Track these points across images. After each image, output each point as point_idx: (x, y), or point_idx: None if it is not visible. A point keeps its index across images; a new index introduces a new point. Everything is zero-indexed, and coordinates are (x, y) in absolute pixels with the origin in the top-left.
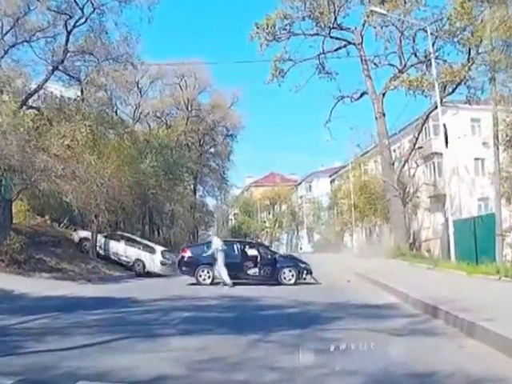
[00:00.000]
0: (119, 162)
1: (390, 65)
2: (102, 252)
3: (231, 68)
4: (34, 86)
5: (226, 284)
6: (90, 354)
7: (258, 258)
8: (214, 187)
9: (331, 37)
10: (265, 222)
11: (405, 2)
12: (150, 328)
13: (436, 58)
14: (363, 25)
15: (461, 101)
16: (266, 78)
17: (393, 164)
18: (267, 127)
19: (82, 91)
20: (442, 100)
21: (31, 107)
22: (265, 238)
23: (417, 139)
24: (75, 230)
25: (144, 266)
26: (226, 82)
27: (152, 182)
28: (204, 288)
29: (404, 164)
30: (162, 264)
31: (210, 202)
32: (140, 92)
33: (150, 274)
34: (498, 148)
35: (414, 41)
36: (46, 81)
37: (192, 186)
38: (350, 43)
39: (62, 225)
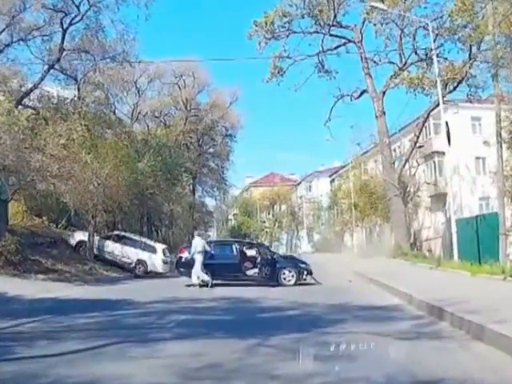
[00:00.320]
0: (116, 162)
1: (391, 62)
2: (101, 254)
3: (230, 68)
4: (30, 86)
5: (203, 284)
6: (80, 361)
7: (258, 259)
8: (213, 187)
9: (331, 35)
10: (264, 222)
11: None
12: (145, 332)
13: (437, 55)
14: (363, 22)
15: (461, 99)
16: (265, 77)
17: (393, 163)
18: (267, 127)
19: (78, 90)
20: (443, 98)
21: (28, 106)
22: (264, 239)
23: (418, 138)
24: (73, 230)
25: (146, 266)
26: (225, 81)
27: (150, 182)
28: (202, 289)
29: (405, 163)
30: (164, 262)
31: (210, 202)
32: (138, 92)
33: (150, 274)
34: (501, 146)
35: (414, 38)
36: (41, 80)
37: (191, 187)
38: (349, 41)
39: (59, 226)
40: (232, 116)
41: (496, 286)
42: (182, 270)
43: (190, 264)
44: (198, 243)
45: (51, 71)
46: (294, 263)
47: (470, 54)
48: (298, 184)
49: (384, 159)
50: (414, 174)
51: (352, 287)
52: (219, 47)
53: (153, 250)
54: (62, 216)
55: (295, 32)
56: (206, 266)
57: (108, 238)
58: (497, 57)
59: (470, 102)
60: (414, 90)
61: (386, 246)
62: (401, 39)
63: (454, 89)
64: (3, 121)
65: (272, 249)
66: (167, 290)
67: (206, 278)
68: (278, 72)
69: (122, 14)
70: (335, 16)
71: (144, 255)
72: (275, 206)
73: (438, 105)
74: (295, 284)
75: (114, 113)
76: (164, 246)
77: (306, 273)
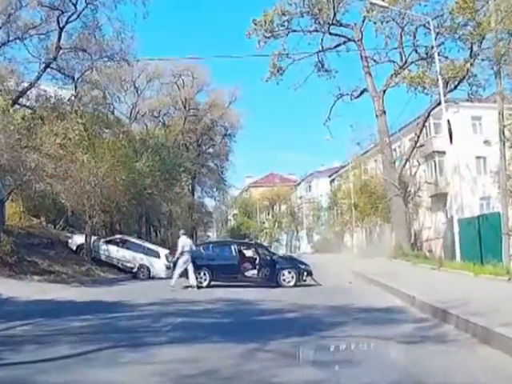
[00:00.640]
0: (114, 162)
1: (391, 61)
2: (103, 258)
3: (230, 68)
4: (27, 85)
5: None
6: (70, 367)
7: (257, 260)
8: (213, 188)
9: (330, 33)
10: (264, 222)
11: None
12: (139, 336)
13: (437, 54)
14: (363, 21)
15: (462, 99)
16: (265, 76)
17: (394, 162)
18: (266, 127)
19: (76, 89)
20: (444, 97)
21: (25, 106)
22: (264, 239)
23: (418, 137)
24: (71, 232)
25: (149, 271)
26: (224, 81)
27: (148, 182)
28: (200, 291)
29: (405, 163)
30: (167, 268)
31: (209, 202)
32: (137, 91)
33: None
34: (504, 144)
35: (414, 37)
36: (38, 78)
37: (190, 187)
38: (349, 40)
39: (57, 226)
40: (231, 116)
41: (500, 287)
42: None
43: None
44: (185, 242)
45: (48, 70)
46: (293, 264)
47: (471, 53)
48: (298, 184)
49: (384, 159)
50: (415, 174)
51: (352, 288)
52: (219, 47)
53: (156, 255)
54: (59, 217)
55: (295, 31)
56: (205, 267)
57: (110, 241)
58: (499, 54)
59: (471, 101)
60: (415, 89)
61: (387, 247)
62: (401, 37)
63: (455, 87)
64: None
65: (272, 249)
66: (165, 292)
67: (173, 281)
68: (278, 71)
69: (119, 12)
70: (335, 15)
71: (147, 260)
72: (275, 207)
73: (438, 104)
74: (295, 285)
75: (113, 112)
76: (167, 251)
77: (305, 274)
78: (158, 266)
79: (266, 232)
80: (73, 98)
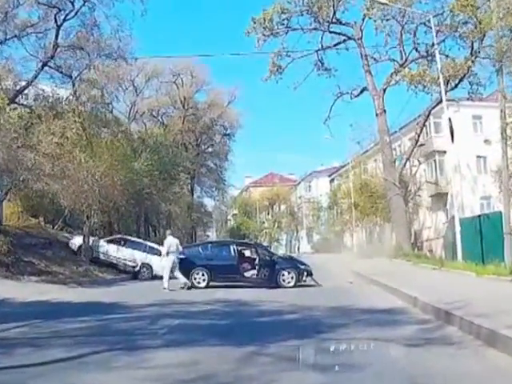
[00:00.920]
0: (112, 161)
1: (391, 60)
2: (104, 258)
3: (229, 68)
4: (24, 84)
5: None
6: (61, 372)
7: (256, 260)
8: (212, 187)
9: (330, 32)
10: (264, 222)
11: None
12: (135, 339)
13: (438, 52)
14: (363, 19)
15: (462, 98)
16: (264, 76)
17: (394, 162)
18: (266, 127)
19: (73, 87)
20: (445, 95)
21: (22, 105)
22: (264, 239)
23: (419, 136)
24: (69, 232)
25: (152, 270)
26: (223, 81)
27: (146, 182)
28: (199, 291)
29: (405, 162)
30: None
31: (209, 202)
32: (135, 91)
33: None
34: (506, 142)
35: (415, 35)
36: (35, 77)
37: (189, 187)
38: (349, 38)
39: (56, 227)
40: (230, 115)
41: (504, 288)
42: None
43: (186, 265)
44: (171, 242)
45: (46, 69)
46: (293, 264)
47: (471, 51)
48: (298, 184)
49: (385, 158)
50: (415, 174)
51: (353, 289)
52: (218, 47)
53: (158, 254)
54: (58, 217)
55: (294, 29)
56: (203, 267)
57: (111, 241)
58: (501, 51)
59: (472, 99)
60: (415, 88)
61: (387, 247)
62: (401, 36)
63: (456, 86)
64: None
65: (271, 249)
66: (163, 293)
67: (166, 283)
68: (277, 70)
69: (117, 9)
70: (335, 13)
71: (149, 259)
72: (274, 207)
73: (439, 102)
74: (295, 286)
75: (111, 112)
76: (182, 249)
77: (305, 274)
78: (161, 264)
79: (266, 232)
80: (71, 97)
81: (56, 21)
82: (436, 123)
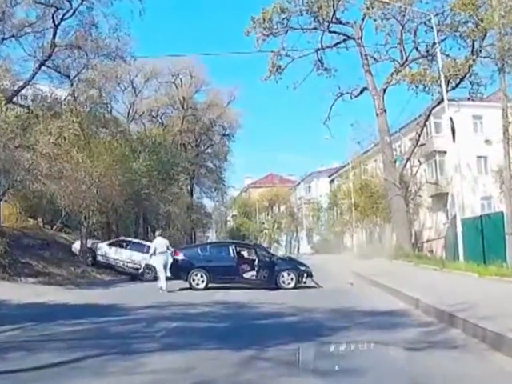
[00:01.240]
0: (110, 161)
1: (391, 59)
2: (106, 261)
3: (228, 67)
4: (22, 84)
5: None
6: (53, 377)
7: (255, 261)
8: (212, 188)
9: (330, 31)
10: (263, 223)
11: None
12: (130, 342)
13: (439, 51)
14: (363, 18)
15: (462, 98)
16: (264, 75)
17: (394, 162)
18: (266, 128)
19: (71, 86)
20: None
21: (20, 105)
22: (264, 240)
23: (419, 136)
24: (69, 233)
25: (155, 271)
26: (223, 81)
27: (145, 182)
28: (197, 293)
29: (406, 162)
30: None
31: (208, 203)
32: (134, 91)
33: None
34: (508, 142)
35: (415, 34)
36: (33, 77)
37: (188, 187)
38: (349, 38)
39: (54, 227)
40: (230, 115)
41: (507, 289)
42: (176, 273)
43: (184, 267)
44: (158, 244)
45: (45, 69)
46: (293, 265)
47: (472, 50)
48: (297, 185)
49: (385, 158)
50: (415, 174)
51: (354, 290)
52: (217, 47)
53: None
54: (56, 218)
55: (294, 28)
56: (202, 269)
57: (113, 244)
58: (503, 49)
59: (472, 99)
60: (416, 87)
61: (387, 247)
62: (402, 35)
63: (457, 85)
64: None
65: (271, 250)
66: (161, 295)
67: (163, 283)
68: (277, 70)
69: (115, 8)
70: (334, 12)
71: (152, 260)
72: (274, 207)
73: (439, 102)
74: (294, 287)
75: (110, 112)
76: (172, 250)
77: (305, 275)
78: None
79: (266, 233)
80: (69, 97)
81: (54, 20)
82: (436, 123)
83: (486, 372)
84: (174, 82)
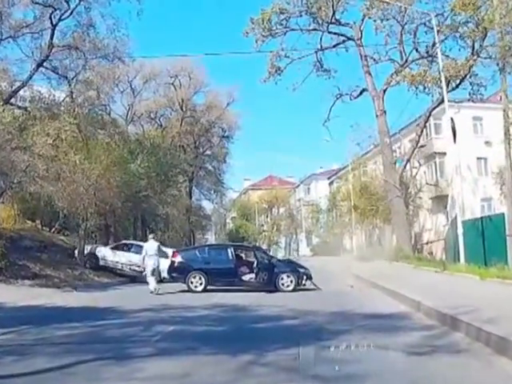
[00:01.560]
0: (108, 163)
1: (391, 60)
2: (108, 264)
3: (227, 69)
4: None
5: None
6: (46, 382)
7: (254, 263)
8: (211, 190)
9: (329, 32)
10: (263, 225)
11: None
12: (126, 347)
13: (439, 51)
14: (362, 19)
15: (463, 99)
16: (263, 77)
17: (394, 163)
18: (265, 129)
19: (69, 87)
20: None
21: (18, 106)
22: (263, 242)
23: (419, 137)
24: (67, 235)
25: (160, 273)
26: (222, 82)
27: (143, 184)
28: (195, 296)
29: (406, 163)
30: None
31: (207, 205)
32: (133, 92)
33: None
34: (509, 143)
35: (415, 35)
36: (30, 77)
37: (187, 189)
38: (349, 39)
39: (53, 230)
40: (229, 117)
41: (510, 291)
42: (174, 275)
43: (182, 269)
44: (149, 246)
45: (43, 70)
46: (292, 267)
47: (472, 50)
48: (297, 187)
49: (385, 159)
50: (415, 175)
51: (354, 293)
52: (216, 48)
53: (164, 256)
54: (55, 219)
55: (293, 29)
56: (200, 271)
57: (116, 247)
58: (504, 49)
59: (473, 100)
60: (416, 88)
61: (387, 249)
62: (401, 36)
63: (457, 86)
64: None
65: (270, 252)
66: (158, 297)
67: (153, 285)
68: (276, 71)
69: (113, 9)
70: (334, 13)
71: (156, 262)
72: (273, 209)
73: (439, 103)
74: (294, 290)
75: (109, 114)
76: (174, 250)
77: (305, 278)
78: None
79: (265, 235)
80: (67, 98)
81: (51, 20)
82: (436, 125)
83: (491, 377)
84: (172, 84)
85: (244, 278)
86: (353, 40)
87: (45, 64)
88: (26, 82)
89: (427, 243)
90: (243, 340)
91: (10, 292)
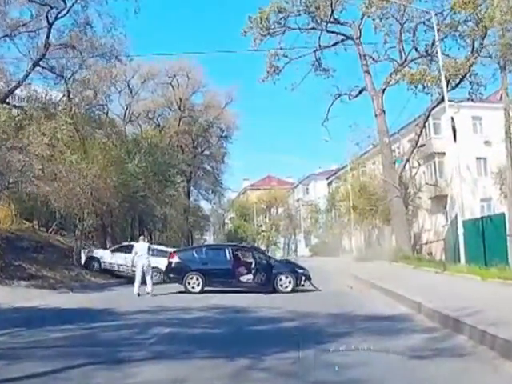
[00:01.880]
0: (105, 163)
1: (390, 59)
2: (111, 268)
3: (226, 69)
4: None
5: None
6: None
7: (252, 264)
8: (209, 190)
9: (328, 31)
10: (261, 225)
11: None
12: (120, 350)
13: (439, 50)
14: (361, 18)
15: (462, 99)
16: (261, 76)
17: (394, 163)
18: (264, 130)
19: (66, 86)
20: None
21: (14, 106)
22: (261, 242)
23: (419, 137)
24: (64, 236)
25: (162, 273)
26: (220, 82)
27: (141, 184)
28: (192, 297)
29: (405, 163)
30: None
31: (205, 205)
32: (131, 92)
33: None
34: (509, 142)
35: (414, 34)
36: (26, 76)
37: (185, 189)
38: (347, 38)
39: (50, 230)
40: (227, 117)
41: None
42: (171, 276)
43: (180, 270)
44: (139, 247)
45: (40, 70)
46: (291, 268)
47: (472, 49)
48: (295, 187)
49: (384, 159)
50: (415, 175)
51: (353, 294)
52: (214, 48)
53: (166, 255)
54: (52, 220)
55: (291, 28)
56: (198, 272)
57: (117, 250)
58: (505, 47)
59: (472, 100)
60: (416, 87)
61: (387, 249)
62: (401, 35)
63: (457, 85)
64: None
65: (269, 253)
66: (155, 298)
67: (136, 287)
68: (274, 71)
69: (110, 7)
70: (332, 12)
71: (158, 262)
72: (272, 210)
73: (439, 103)
74: (292, 291)
75: (107, 113)
76: (175, 250)
77: (303, 278)
78: None
79: (264, 235)
80: (64, 98)
81: (48, 19)
82: (436, 124)
83: (496, 382)
84: (170, 84)
85: (242, 278)
86: (352, 39)
87: (41, 63)
88: (22, 81)
89: (426, 243)
90: (241, 343)
91: (6, 293)
